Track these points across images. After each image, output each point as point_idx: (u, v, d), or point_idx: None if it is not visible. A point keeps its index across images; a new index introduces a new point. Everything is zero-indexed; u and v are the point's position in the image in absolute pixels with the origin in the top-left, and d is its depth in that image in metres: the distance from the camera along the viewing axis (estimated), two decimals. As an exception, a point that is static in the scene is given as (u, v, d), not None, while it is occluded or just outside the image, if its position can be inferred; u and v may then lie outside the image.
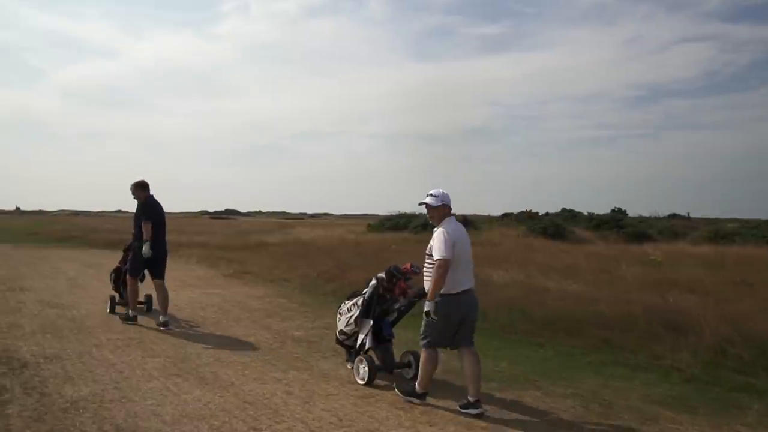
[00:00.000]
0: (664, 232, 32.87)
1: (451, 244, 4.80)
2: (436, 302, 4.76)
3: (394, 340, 6.06)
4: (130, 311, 8.54)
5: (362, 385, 5.61)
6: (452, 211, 5.12)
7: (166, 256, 8.54)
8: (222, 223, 52.97)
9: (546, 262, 15.73)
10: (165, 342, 7.22)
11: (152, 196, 8.46)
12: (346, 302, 6.27)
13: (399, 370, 5.98)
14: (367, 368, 5.64)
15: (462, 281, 4.93)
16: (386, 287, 5.85)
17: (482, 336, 7.86)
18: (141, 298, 9.31)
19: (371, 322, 5.85)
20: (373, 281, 5.91)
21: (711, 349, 6.49)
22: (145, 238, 8.14)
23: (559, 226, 30.55)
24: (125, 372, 5.80)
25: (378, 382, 5.66)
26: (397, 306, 5.90)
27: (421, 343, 5.06)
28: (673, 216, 47.94)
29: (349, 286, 12.05)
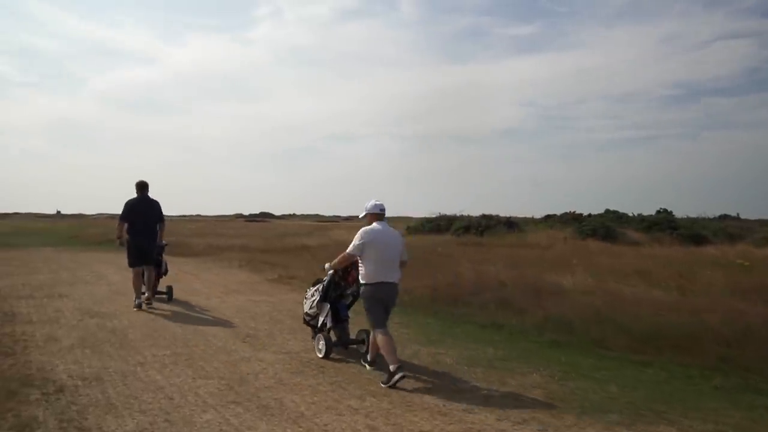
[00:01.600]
0: (719, 234, 31.24)
1: (359, 244, 5.96)
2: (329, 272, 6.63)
3: (350, 321, 6.94)
4: (135, 299, 9.65)
5: (321, 357, 6.56)
6: (384, 217, 6.19)
7: (152, 247, 9.98)
8: (258, 226, 52.52)
9: (611, 265, 14.63)
10: (217, 359, 6.39)
11: (140, 196, 9.79)
12: (310, 288, 7.11)
13: (354, 346, 6.90)
14: (324, 344, 6.64)
15: (377, 274, 5.92)
16: (341, 276, 6.76)
17: (571, 351, 6.91)
18: (162, 288, 10.65)
19: (329, 306, 6.79)
20: (331, 271, 6.63)
21: None
22: (117, 236, 9.93)
23: (609, 228, 29.20)
24: (175, 398, 4.96)
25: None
26: (349, 291, 6.82)
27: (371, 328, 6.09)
28: (724, 217, 45.96)
29: (405, 293, 11.20)
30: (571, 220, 37.07)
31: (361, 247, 5.93)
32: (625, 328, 7.31)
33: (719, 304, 8.11)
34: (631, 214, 38.18)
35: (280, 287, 12.83)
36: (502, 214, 33.91)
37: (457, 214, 34.87)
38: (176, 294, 10.87)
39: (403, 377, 5.46)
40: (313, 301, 6.90)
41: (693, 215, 37.11)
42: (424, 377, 5.80)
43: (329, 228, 41.08)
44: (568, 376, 5.88)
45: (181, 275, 14.57)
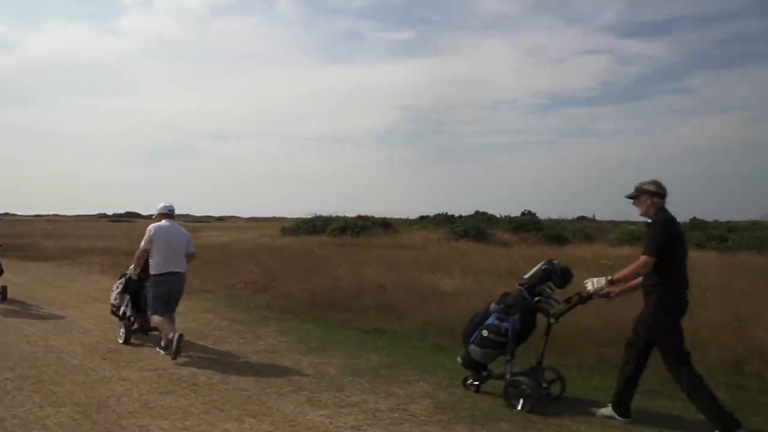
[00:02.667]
0: (578, 234, 33.30)
1: (148, 239, 6.80)
2: (138, 276, 7.31)
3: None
4: None
5: (121, 343, 7.24)
6: (172, 216, 7.16)
7: None
8: (123, 227, 49.42)
9: (486, 266, 15.00)
10: (71, 381, 5.64)
11: None
12: (116, 281, 7.79)
13: (154, 332, 7.38)
14: (124, 331, 7.36)
15: (164, 265, 6.76)
16: (142, 269, 7.21)
17: (455, 355, 6.77)
18: None
19: (129, 297, 7.50)
20: (131, 266, 7.31)
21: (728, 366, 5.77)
22: None
23: (480, 229, 30.20)
24: (19, 432, 4.26)
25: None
26: (147, 283, 7.17)
27: (149, 313, 6.93)
28: (582, 218, 49.12)
29: (282, 297, 10.76)
30: (444, 221, 38.11)
31: (150, 241, 6.80)
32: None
33: (592, 304, 8.40)
34: (499, 216, 39.85)
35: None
36: (377, 215, 34.20)
37: (333, 215, 34.75)
38: (24, 305, 9.74)
39: (180, 337, 6.41)
40: (117, 292, 7.64)
41: (554, 216, 39.29)
42: (308, 391, 5.44)
43: (200, 229, 39.38)
44: (455, 383, 5.76)
45: (33, 282, 13.18)
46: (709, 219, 32.37)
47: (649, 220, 4.81)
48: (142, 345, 7.32)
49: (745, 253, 19.05)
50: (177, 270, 6.85)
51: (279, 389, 5.47)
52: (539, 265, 5.48)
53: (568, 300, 5.34)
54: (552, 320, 5.29)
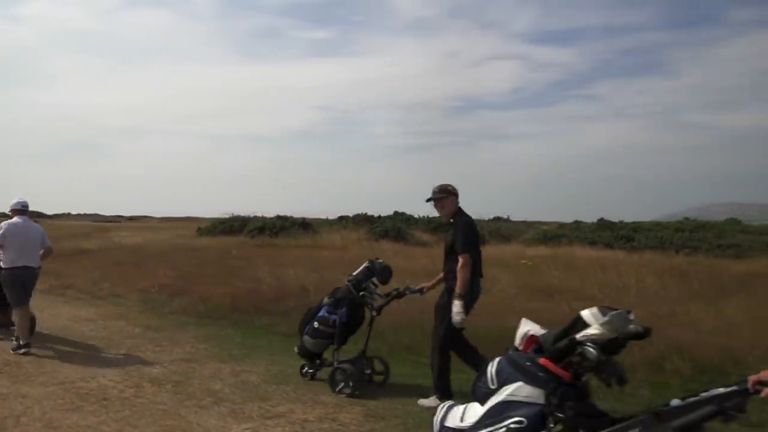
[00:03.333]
0: (494, 234, 34.08)
1: (1, 236, 6.91)
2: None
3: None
4: None
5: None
6: (26, 212, 7.24)
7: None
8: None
9: (408, 267, 14.90)
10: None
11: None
12: None
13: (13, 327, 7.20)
14: None
15: (18, 260, 6.93)
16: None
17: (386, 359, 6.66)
18: None
19: None
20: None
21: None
22: None
23: (400, 229, 30.32)
24: None
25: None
26: None
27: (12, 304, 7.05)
28: (497, 219, 50.39)
29: (200, 301, 10.28)
30: (364, 221, 38.02)
31: (3, 237, 6.91)
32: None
33: (515, 303, 8.51)
34: (417, 216, 40.17)
35: (52, 299, 11.04)
36: (296, 215, 33.68)
37: (251, 215, 33.91)
38: None
39: (27, 353, 6.69)
40: None
41: (474, 217, 40.01)
42: (230, 402, 5.14)
43: (110, 229, 37.52)
44: (387, 390, 5.62)
45: None
46: (615, 220, 33.96)
47: (451, 220, 5.40)
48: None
49: (649, 252, 20.02)
50: (30, 265, 7.05)
51: (199, 401, 5.15)
52: (364, 264, 5.97)
53: (387, 294, 5.85)
54: (374, 313, 5.79)
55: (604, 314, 2.73)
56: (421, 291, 5.75)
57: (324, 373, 5.86)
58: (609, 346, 2.69)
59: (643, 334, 2.70)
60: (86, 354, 6.92)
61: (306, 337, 5.86)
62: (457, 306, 5.02)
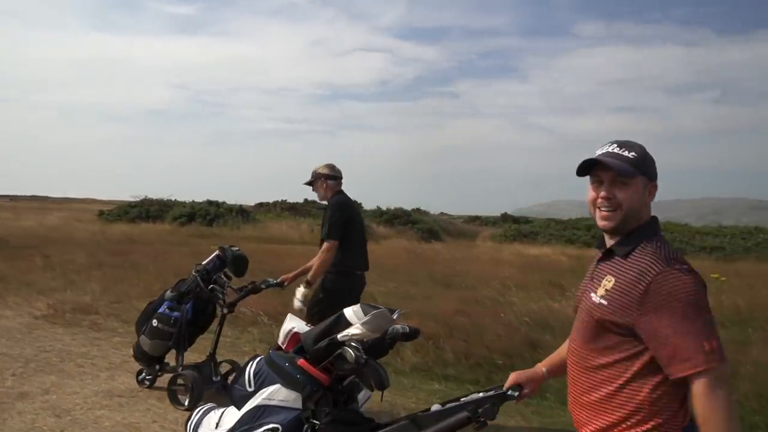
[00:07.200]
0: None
1: None
2: None
3: None
4: None
5: None
6: None
7: None
8: None
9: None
10: None
11: None
12: None
13: None
14: None
15: None
16: None
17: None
18: None
19: None
20: None
21: None
22: None
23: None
24: None
25: None
26: None
27: None
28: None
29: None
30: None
31: None
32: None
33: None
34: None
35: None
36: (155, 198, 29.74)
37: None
38: None
39: None
40: None
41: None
42: None
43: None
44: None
45: None
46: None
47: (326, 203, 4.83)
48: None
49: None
50: None
51: None
52: (215, 252, 5.16)
53: (241, 289, 5.13)
54: (225, 310, 5.06)
55: (366, 313, 2.43)
56: (281, 284, 5.00)
57: (165, 380, 4.98)
58: (376, 346, 2.49)
59: (410, 335, 2.56)
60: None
61: (143, 338, 4.99)
62: (298, 293, 4.60)
